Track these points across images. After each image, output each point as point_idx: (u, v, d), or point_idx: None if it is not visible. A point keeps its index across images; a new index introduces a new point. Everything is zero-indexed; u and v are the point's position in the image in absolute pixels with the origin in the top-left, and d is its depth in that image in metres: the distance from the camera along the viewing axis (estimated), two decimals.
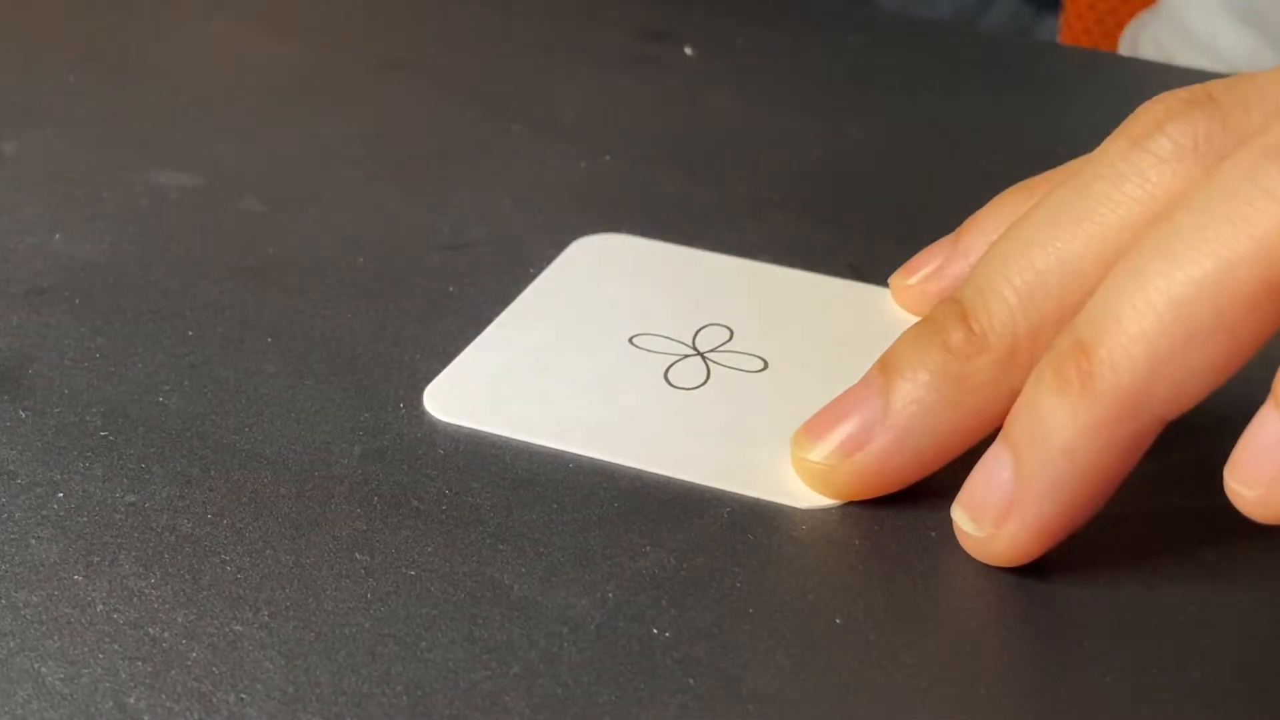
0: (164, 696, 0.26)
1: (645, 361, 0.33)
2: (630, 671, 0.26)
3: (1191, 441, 0.28)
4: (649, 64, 0.47)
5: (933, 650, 0.27)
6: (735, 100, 0.46)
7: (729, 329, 0.34)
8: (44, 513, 0.30)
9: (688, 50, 0.48)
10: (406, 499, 0.30)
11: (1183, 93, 0.28)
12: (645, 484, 0.30)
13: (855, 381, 0.30)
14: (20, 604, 0.28)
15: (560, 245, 0.37)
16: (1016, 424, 0.27)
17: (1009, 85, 0.47)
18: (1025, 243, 0.29)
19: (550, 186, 0.41)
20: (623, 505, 0.30)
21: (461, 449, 0.31)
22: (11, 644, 0.27)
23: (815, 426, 0.30)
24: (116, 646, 0.27)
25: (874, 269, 0.36)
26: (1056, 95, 0.46)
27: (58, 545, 0.29)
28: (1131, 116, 0.29)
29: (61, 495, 0.30)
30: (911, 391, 0.29)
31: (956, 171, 0.42)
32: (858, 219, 0.39)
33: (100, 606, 0.28)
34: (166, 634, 0.27)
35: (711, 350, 0.34)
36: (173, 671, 0.26)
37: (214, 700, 0.26)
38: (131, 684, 0.26)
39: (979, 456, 0.28)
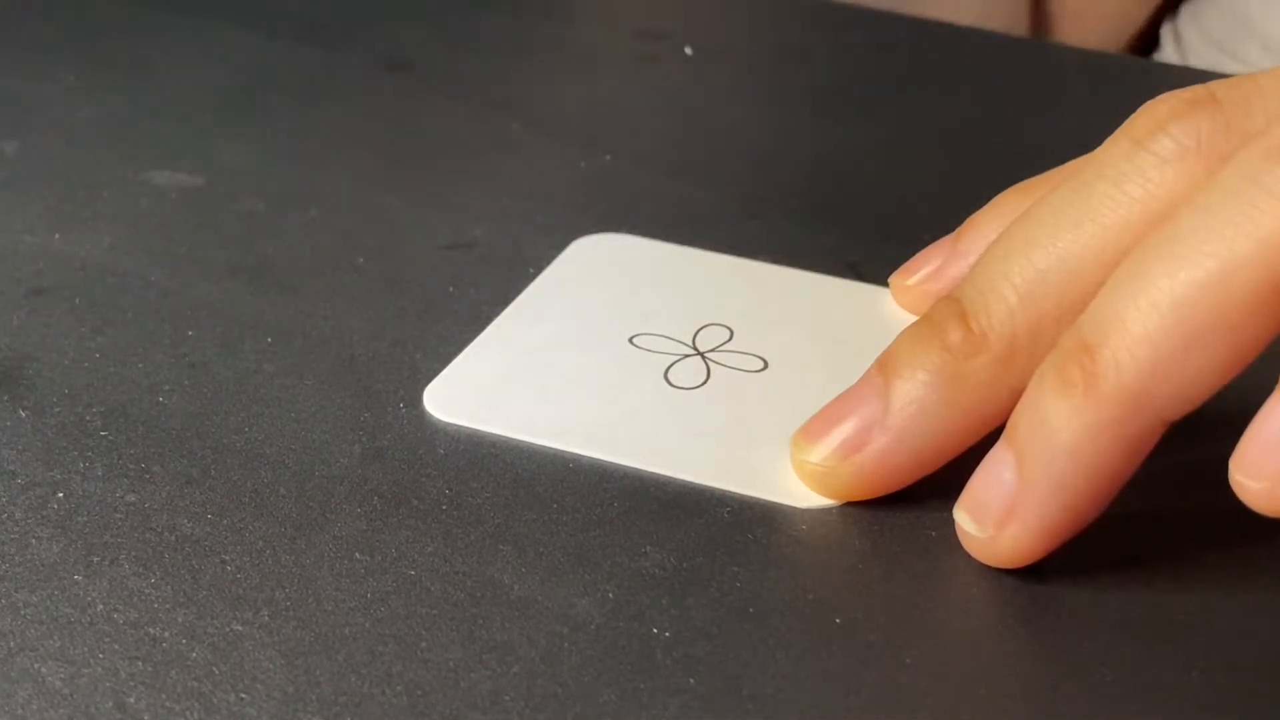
0: (164, 696, 0.26)
1: (645, 361, 0.33)
2: (630, 671, 0.26)
3: (1192, 442, 0.28)
4: (649, 64, 0.47)
5: (933, 650, 0.27)
6: (735, 100, 0.46)
7: (729, 329, 0.34)
8: (44, 513, 0.30)
9: (688, 50, 0.48)
10: (406, 499, 0.30)
11: (1185, 93, 0.28)
12: (645, 484, 0.30)
13: (855, 381, 0.30)
14: (20, 604, 0.28)
15: (560, 245, 0.37)
16: (1019, 425, 0.27)
17: (1009, 85, 0.47)
18: (1025, 242, 0.29)
19: (550, 186, 0.41)
20: (623, 505, 0.30)
21: (461, 449, 0.31)
22: (11, 644, 0.27)
23: (814, 428, 0.30)
24: (116, 646, 0.27)
25: (874, 269, 0.36)
26: (1056, 95, 0.46)
27: (58, 545, 0.29)
28: (1133, 116, 0.28)
29: (61, 495, 0.30)
30: (910, 391, 0.29)
31: (956, 171, 0.42)
32: (858, 219, 0.39)
33: (100, 606, 0.28)
34: (166, 634, 0.27)
35: (711, 350, 0.34)
36: (173, 671, 0.26)
37: (214, 700, 0.26)
38: (131, 684, 0.26)
39: (980, 456, 0.28)
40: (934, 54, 0.49)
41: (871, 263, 0.36)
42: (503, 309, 0.35)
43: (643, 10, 0.50)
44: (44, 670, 0.26)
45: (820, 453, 0.30)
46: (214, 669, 0.26)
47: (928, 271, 0.34)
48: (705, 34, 0.49)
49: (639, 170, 0.41)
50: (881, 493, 0.30)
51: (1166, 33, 0.69)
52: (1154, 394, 0.26)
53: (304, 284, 0.36)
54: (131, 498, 0.30)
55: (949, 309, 0.29)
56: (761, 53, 0.48)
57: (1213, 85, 0.28)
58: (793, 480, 0.30)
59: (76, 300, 0.36)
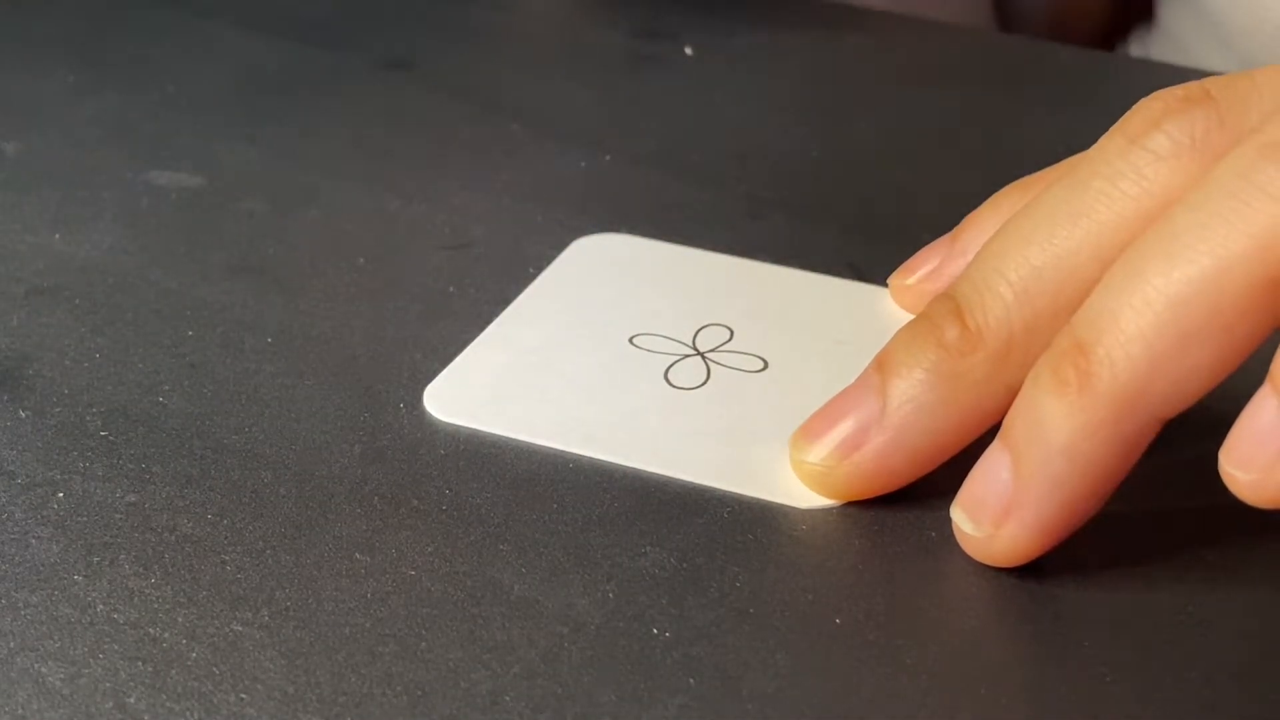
0: (164, 696, 0.26)
1: (645, 361, 0.33)
2: (630, 671, 0.26)
3: (1190, 441, 0.28)
4: (649, 64, 0.47)
5: (933, 650, 0.27)
6: (735, 100, 0.46)
7: (729, 329, 0.34)
8: (44, 513, 0.30)
9: (688, 50, 0.48)
10: (406, 499, 0.30)
11: (1179, 90, 0.28)
12: (645, 484, 0.30)
13: (854, 380, 0.30)
14: (20, 604, 0.28)
15: (560, 245, 0.37)
16: (1015, 424, 0.27)
17: (1009, 85, 0.47)
18: (1021, 239, 0.29)
19: (550, 186, 0.41)
20: (623, 505, 0.30)
21: (461, 449, 0.31)
22: (11, 644, 0.27)
23: (812, 428, 0.30)
24: (116, 646, 0.27)
25: (874, 269, 0.36)
26: (1056, 95, 0.46)
27: (58, 545, 0.29)
28: (1128, 114, 0.29)
29: (61, 495, 0.30)
30: (907, 390, 0.29)
31: (956, 171, 0.42)
32: (858, 219, 0.39)
33: (100, 606, 0.28)
34: (166, 634, 0.27)
35: (711, 350, 0.34)
36: (173, 672, 0.26)
37: (214, 700, 0.26)
38: (131, 684, 0.26)
39: (978, 455, 0.28)
40: (934, 54, 0.49)
41: (871, 263, 0.36)
42: (503, 309, 0.35)
43: (643, 10, 0.50)
44: (44, 670, 0.26)
45: (819, 452, 0.30)
46: (214, 669, 0.26)
47: (926, 271, 0.34)
48: (705, 34, 0.49)
49: (639, 170, 0.41)
50: (880, 491, 0.30)
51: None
52: (1149, 392, 0.26)
53: (304, 284, 0.36)
54: (131, 498, 0.30)
55: (945, 307, 0.29)
56: (761, 53, 0.48)
57: (1207, 82, 0.28)
58: (793, 480, 0.30)
59: (76, 300, 0.36)
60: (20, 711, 0.26)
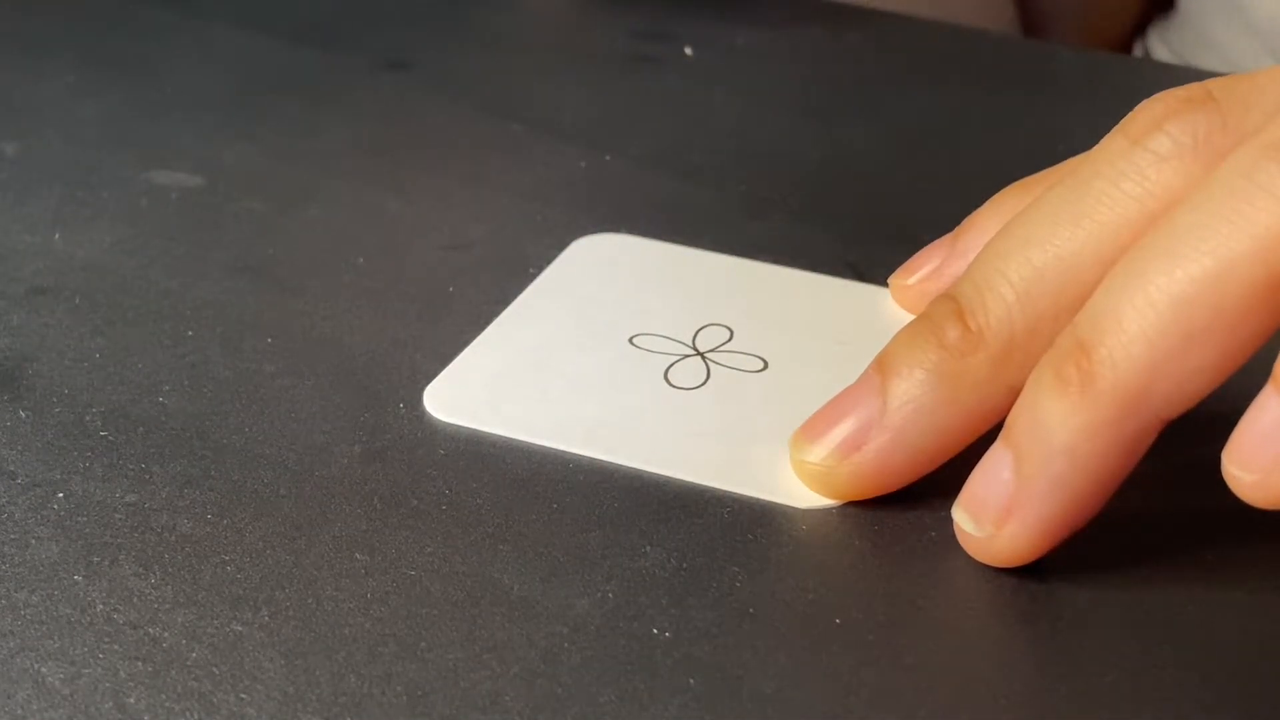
0: (164, 696, 0.26)
1: (645, 361, 0.33)
2: (630, 672, 0.26)
3: (1192, 441, 0.28)
4: (649, 64, 0.47)
5: (933, 650, 0.27)
6: (735, 100, 0.46)
7: (729, 329, 0.34)
8: (44, 513, 0.30)
9: (688, 50, 0.48)
10: (406, 499, 0.30)
11: (1181, 91, 0.28)
12: (645, 484, 0.30)
13: (854, 381, 0.30)
14: (20, 604, 0.28)
15: (560, 245, 0.37)
16: (1017, 424, 0.27)
17: (1009, 85, 0.47)
18: (1023, 240, 0.29)
19: (550, 186, 0.41)
20: (623, 505, 0.30)
21: (461, 449, 0.31)
22: (11, 644, 0.27)
23: (813, 428, 0.30)
24: (116, 646, 0.27)
25: (874, 269, 0.36)
26: (1056, 95, 0.46)
27: (58, 545, 0.29)
28: (1130, 115, 0.28)
29: (61, 495, 0.30)
30: (908, 390, 0.29)
31: (956, 171, 0.42)
32: (858, 219, 0.39)
33: (100, 606, 0.28)
34: (166, 634, 0.27)
35: (711, 350, 0.34)
36: (173, 671, 0.26)
37: (214, 700, 0.26)
38: (131, 684, 0.26)
39: (979, 455, 0.28)
40: (934, 54, 0.49)
41: (871, 263, 0.36)
42: (503, 309, 0.35)
43: (643, 10, 0.50)
44: (44, 670, 0.26)
45: (819, 452, 0.30)
46: (214, 669, 0.26)
47: (926, 271, 0.34)
48: (705, 34, 0.49)
49: (639, 170, 0.41)
50: (881, 492, 0.30)
51: (1137, 51, 0.69)
52: (1151, 393, 0.26)
53: (304, 284, 0.36)
54: (131, 498, 0.30)
55: (946, 307, 0.29)
56: (761, 53, 0.48)
57: (1210, 84, 0.28)
58: (793, 480, 0.30)
59: (76, 300, 0.36)
60: (20, 711, 0.26)
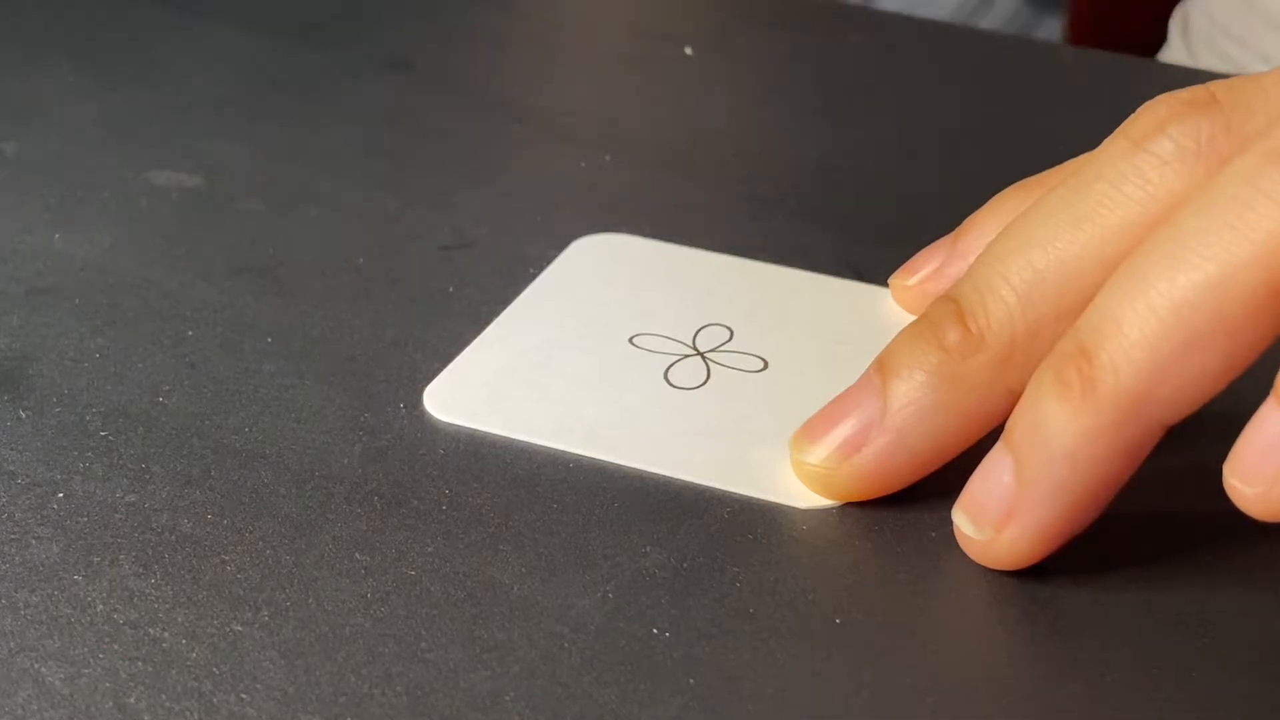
0: (164, 697, 0.26)
1: (645, 361, 0.33)
2: (631, 671, 0.26)
3: (1191, 443, 0.28)
4: (649, 64, 0.47)
5: (933, 650, 0.27)
6: (735, 100, 0.46)
7: (729, 329, 0.34)
8: (44, 513, 0.30)
9: (688, 50, 0.48)
10: (406, 499, 0.30)
11: (1184, 94, 0.28)
12: (645, 484, 0.30)
13: (855, 381, 0.30)
14: (20, 604, 0.28)
15: (560, 245, 0.37)
16: (1017, 427, 0.27)
17: (1009, 85, 0.47)
18: (1024, 242, 0.29)
19: (550, 186, 0.41)
20: (623, 505, 0.30)
21: (461, 449, 0.31)
22: (11, 644, 0.27)
23: (813, 429, 0.30)
24: (116, 647, 0.27)
25: (874, 269, 0.36)
26: (1057, 95, 0.46)
27: (58, 545, 0.29)
28: (1132, 117, 0.28)
29: (61, 495, 0.30)
30: (908, 392, 0.29)
31: (956, 171, 0.42)
32: (858, 219, 0.39)
33: (100, 606, 0.28)
34: (166, 634, 0.27)
35: (711, 350, 0.34)
36: (173, 672, 0.26)
37: (214, 700, 0.26)
38: (131, 684, 0.26)
39: (979, 456, 0.28)
40: (934, 54, 0.49)
41: (871, 263, 0.36)
42: (503, 309, 0.35)
43: (643, 10, 0.50)
44: (44, 670, 0.26)
45: (819, 453, 0.30)
46: (214, 669, 0.26)
47: (927, 272, 0.34)
48: (705, 34, 0.49)
49: (639, 170, 0.41)
50: (881, 493, 0.30)
51: (1175, 20, 0.69)
52: (1152, 398, 0.26)
53: (304, 284, 0.36)
54: (131, 498, 0.30)
55: (947, 309, 0.29)
56: (761, 53, 0.48)
57: (1213, 86, 0.28)
58: (793, 480, 0.30)
59: (76, 300, 0.36)
60: (20, 711, 0.26)
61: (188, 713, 0.26)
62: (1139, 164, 0.28)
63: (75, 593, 0.28)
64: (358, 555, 0.29)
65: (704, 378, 0.33)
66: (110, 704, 0.26)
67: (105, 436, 0.32)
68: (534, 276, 0.36)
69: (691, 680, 0.26)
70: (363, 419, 0.32)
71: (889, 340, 0.30)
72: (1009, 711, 0.26)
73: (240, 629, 0.27)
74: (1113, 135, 0.29)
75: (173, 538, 0.29)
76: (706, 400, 0.32)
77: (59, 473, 0.31)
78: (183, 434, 0.32)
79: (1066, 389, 0.26)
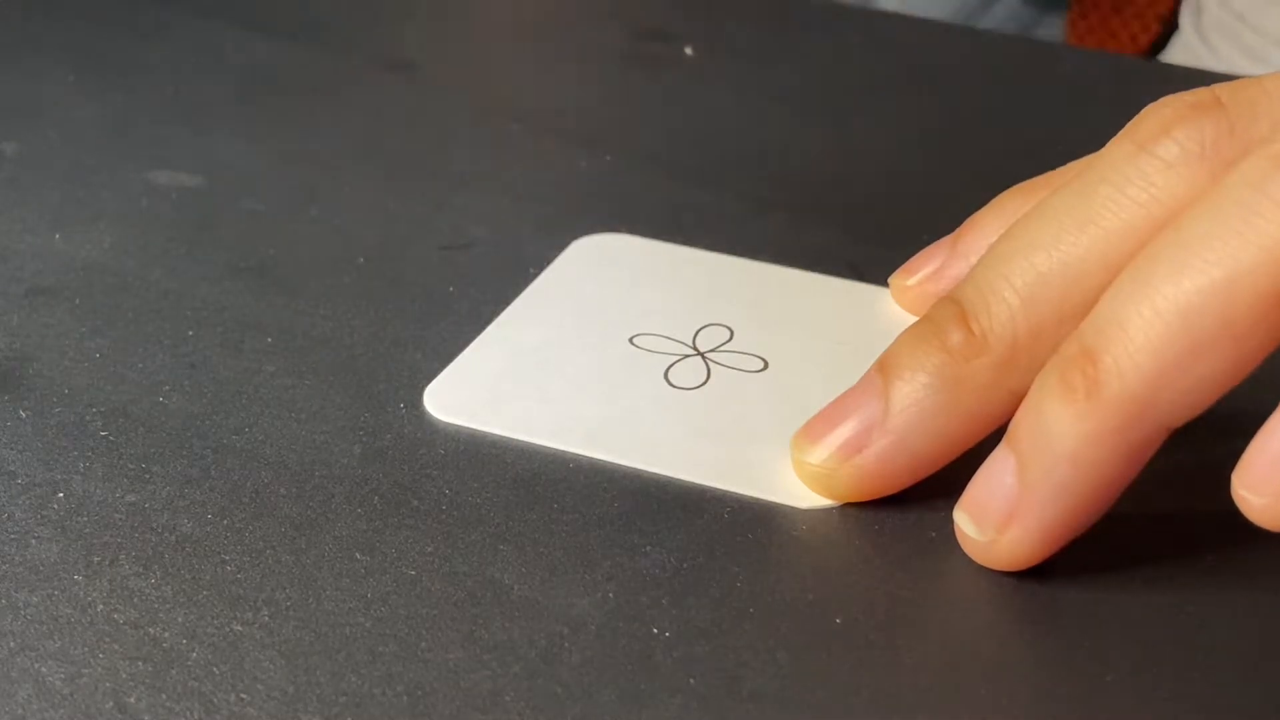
0: (164, 697, 0.26)
1: (645, 361, 0.33)
2: (631, 671, 0.26)
3: (1192, 443, 0.28)
4: (649, 64, 0.47)
5: (933, 650, 0.27)
6: (735, 100, 0.46)
7: (729, 329, 0.34)
8: (44, 513, 0.30)
9: (688, 50, 0.48)
10: (406, 499, 0.30)
11: (1188, 96, 0.28)
12: (645, 484, 0.30)
13: (855, 381, 0.30)
14: (20, 604, 0.28)
15: (560, 245, 0.37)
16: (1021, 429, 0.27)
17: (1010, 85, 0.47)
18: (1027, 244, 0.29)
19: (550, 186, 0.41)
20: (623, 505, 0.30)
21: (461, 449, 0.31)
22: (12, 644, 0.27)
23: (814, 429, 0.30)
24: (117, 647, 0.27)
25: (874, 269, 0.36)
26: (1058, 95, 0.46)
27: (58, 545, 0.29)
28: (1136, 119, 0.28)
29: (61, 495, 0.30)
30: (911, 393, 0.29)
31: (956, 171, 0.42)
32: (858, 219, 0.39)
33: (100, 607, 0.28)
34: (167, 634, 0.27)
35: (711, 350, 0.34)
36: (173, 672, 0.26)
37: (214, 700, 0.26)
38: (132, 684, 0.26)
39: (980, 457, 0.28)
40: (934, 54, 0.49)
41: (871, 263, 0.36)
42: (503, 309, 0.35)
43: (643, 10, 0.50)
44: (44, 670, 0.26)
45: (820, 454, 0.30)
46: (214, 669, 0.26)
47: (927, 272, 0.34)
48: (705, 34, 0.49)
49: (639, 170, 0.41)
50: (881, 494, 0.30)
51: (1187, 6, 0.69)
52: (1156, 402, 0.26)
53: (304, 284, 0.36)
54: (132, 498, 0.30)
55: (949, 310, 0.29)
56: (761, 53, 0.48)
57: (1217, 88, 0.28)
58: (793, 480, 0.30)
59: (76, 300, 0.36)
60: (20, 712, 0.26)
61: (188, 713, 0.26)
62: (1143, 167, 0.28)
63: (75, 593, 0.28)
64: (358, 555, 0.29)
65: (704, 378, 0.33)
66: (110, 704, 0.26)
67: (105, 436, 0.32)
68: (534, 276, 0.36)
69: (691, 680, 0.26)
70: (363, 419, 0.32)
71: (889, 340, 0.30)
72: (1009, 711, 0.26)
73: (240, 629, 0.27)
74: (1116, 138, 0.28)
75: (173, 537, 0.29)
76: (706, 400, 0.32)
77: (59, 473, 0.31)
78: (183, 434, 0.32)
79: (1070, 391, 0.26)
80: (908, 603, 0.28)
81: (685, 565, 0.28)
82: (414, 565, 0.28)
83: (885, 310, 0.35)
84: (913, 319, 0.33)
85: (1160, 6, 0.71)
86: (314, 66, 0.47)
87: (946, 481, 0.29)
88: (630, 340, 0.34)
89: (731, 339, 0.34)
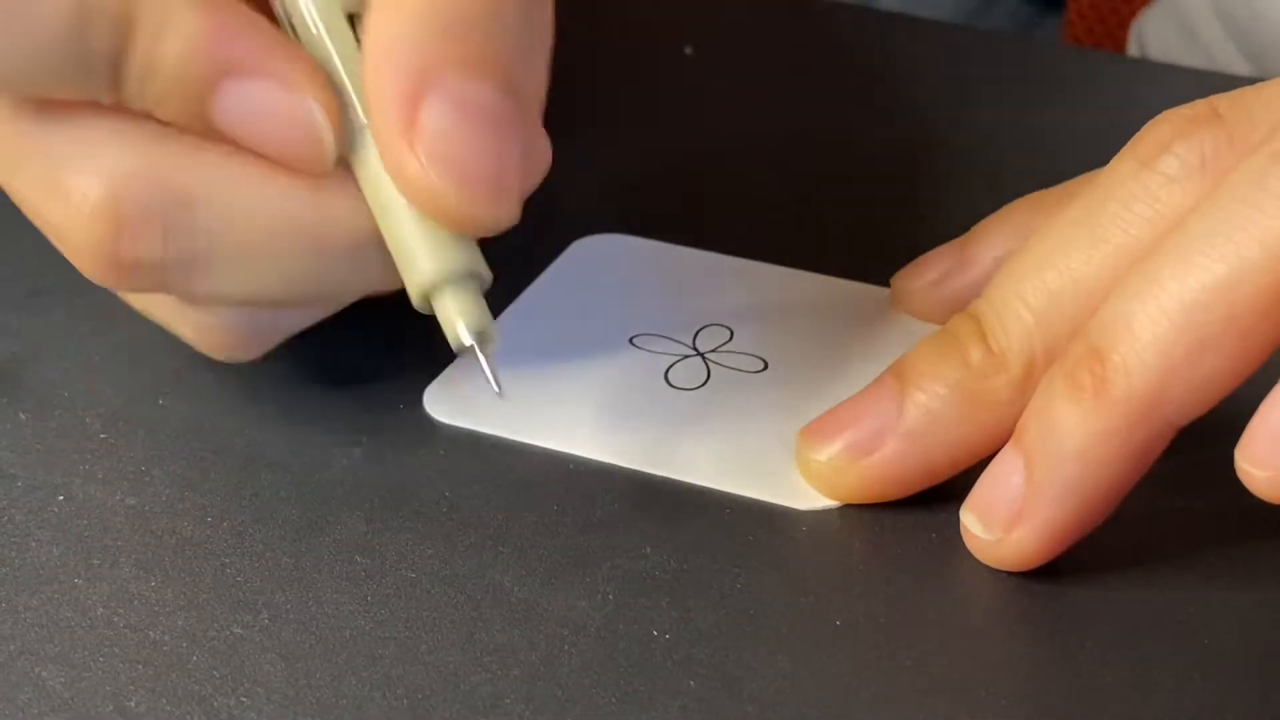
0: (164, 700, 0.26)
1: (645, 361, 0.33)
2: (631, 673, 0.26)
3: (1194, 442, 0.28)
4: (649, 64, 0.47)
5: (933, 650, 0.27)
6: (736, 100, 0.46)
7: (729, 329, 0.34)
8: (44, 516, 0.30)
9: (688, 50, 0.48)
10: (406, 501, 0.30)
11: (1187, 110, 0.28)
12: (645, 484, 0.30)
13: (855, 382, 0.30)
14: (21, 607, 0.28)
15: (560, 245, 0.37)
16: (1029, 429, 0.27)
17: (1010, 85, 0.47)
18: (1038, 263, 0.29)
19: (550, 186, 0.41)
20: (623, 506, 0.30)
21: (461, 450, 0.31)
22: (12, 647, 0.27)
23: (824, 427, 0.30)
24: (117, 650, 0.27)
25: (874, 269, 0.36)
26: (1058, 95, 0.46)
27: (58, 548, 0.29)
28: (1137, 136, 0.29)
29: (62, 498, 0.30)
30: (928, 403, 0.29)
31: (958, 172, 0.42)
32: (858, 219, 0.39)
33: (101, 610, 0.28)
34: (167, 637, 0.27)
35: (711, 350, 0.34)
36: (173, 675, 0.26)
37: (214, 703, 0.26)
38: (132, 687, 0.26)
39: (984, 462, 0.28)
40: (935, 54, 0.49)
41: (872, 263, 0.36)
42: (503, 309, 0.35)
43: (643, 10, 0.50)
44: (44, 673, 0.26)
45: (828, 452, 0.30)
46: (214, 672, 0.26)
47: (933, 277, 0.34)
48: (705, 34, 0.49)
49: (639, 170, 0.41)
50: (885, 498, 0.30)
51: (1132, 39, 0.69)
52: (1164, 400, 0.26)
53: None
54: (132, 501, 0.30)
55: (969, 327, 0.29)
56: (761, 53, 0.48)
57: (1215, 100, 0.28)
58: (793, 481, 0.30)
59: (76, 301, 0.36)
60: (20, 715, 0.26)
61: (188, 716, 0.26)
62: (1147, 183, 0.28)
63: (75, 596, 0.28)
64: (358, 558, 0.29)
65: (704, 378, 0.33)
66: (111, 707, 0.26)
67: (105, 439, 0.32)
68: (534, 276, 0.36)
69: (691, 682, 0.26)
70: (363, 419, 0.32)
71: (889, 341, 0.30)
72: (1009, 711, 0.26)
73: (240, 632, 0.27)
74: (1119, 155, 0.29)
75: (173, 540, 0.29)
76: (706, 400, 0.32)
77: (59, 475, 0.31)
78: (183, 436, 0.32)
79: (1078, 390, 0.27)
80: (908, 603, 0.28)
81: (685, 567, 0.28)
82: (414, 567, 0.28)
83: (885, 310, 0.35)
84: (914, 321, 0.33)
85: None
86: None
87: (947, 483, 0.29)
88: (630, 340, 0.34)
89: (731, 339, 0.34)
